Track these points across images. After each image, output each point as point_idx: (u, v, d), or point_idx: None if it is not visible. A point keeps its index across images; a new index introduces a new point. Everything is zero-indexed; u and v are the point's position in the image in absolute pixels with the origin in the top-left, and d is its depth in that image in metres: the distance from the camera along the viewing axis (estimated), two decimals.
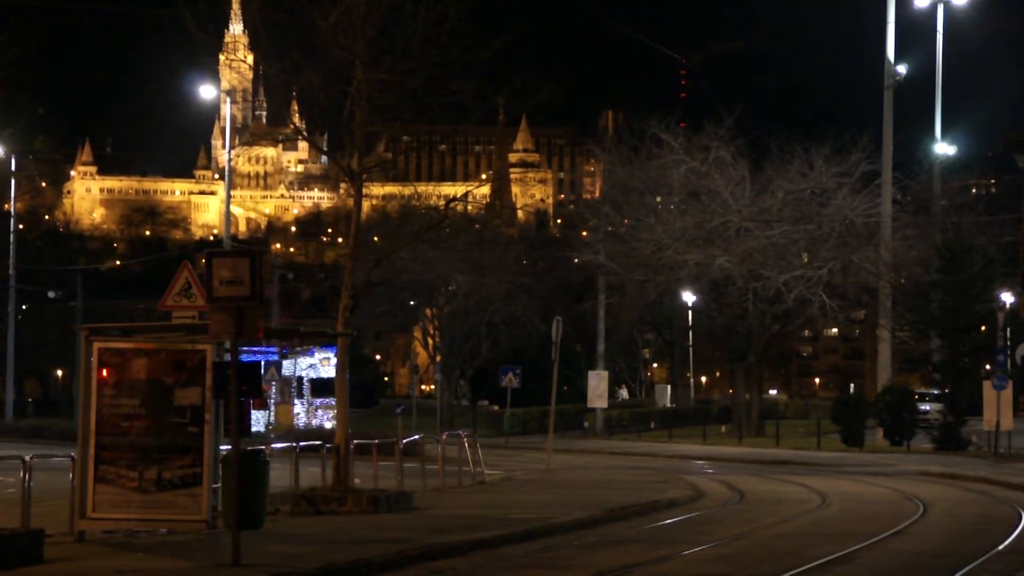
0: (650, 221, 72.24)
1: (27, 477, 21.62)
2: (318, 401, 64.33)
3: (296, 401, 64.50)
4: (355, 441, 33.51)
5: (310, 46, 29.61)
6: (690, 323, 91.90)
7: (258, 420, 62.20)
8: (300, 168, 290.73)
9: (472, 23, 29.66)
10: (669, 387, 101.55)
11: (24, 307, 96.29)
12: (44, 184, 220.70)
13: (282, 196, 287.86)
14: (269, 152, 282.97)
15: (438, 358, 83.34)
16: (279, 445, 35.06)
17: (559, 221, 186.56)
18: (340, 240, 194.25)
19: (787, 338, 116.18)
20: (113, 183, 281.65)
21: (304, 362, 64.76)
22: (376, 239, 69.56)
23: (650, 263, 71.60)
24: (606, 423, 78.57)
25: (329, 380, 61.92)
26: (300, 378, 64.94)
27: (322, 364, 64.20)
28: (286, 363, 64.57)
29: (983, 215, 69.53)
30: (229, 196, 72.01)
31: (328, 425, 60.50)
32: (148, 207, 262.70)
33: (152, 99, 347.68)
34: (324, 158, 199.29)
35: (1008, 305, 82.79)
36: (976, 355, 63.68)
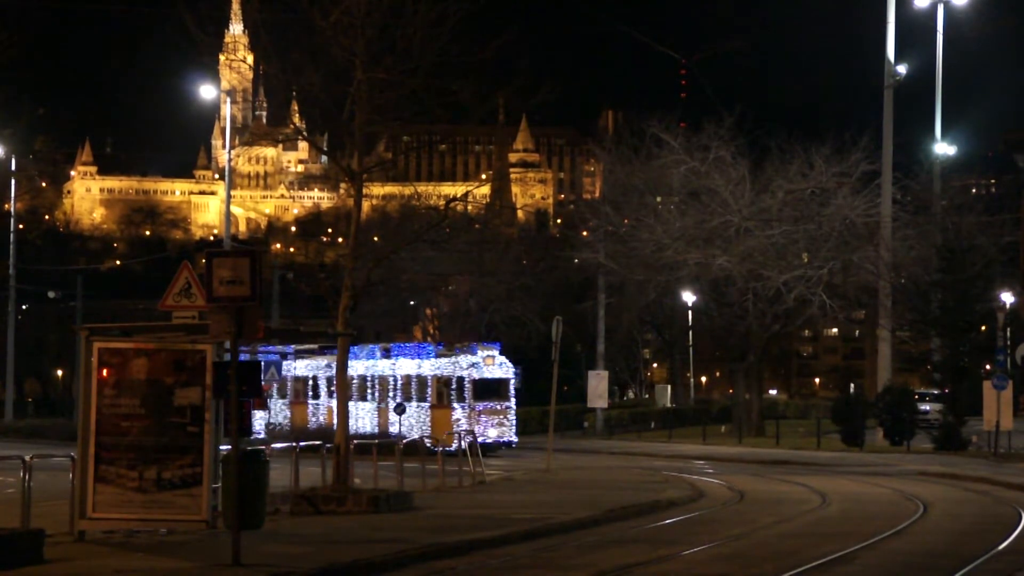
0: (650, 221, 72.21)
1: (27, 477, 21.61)
2: (481, 405, 55.88)
3: (456, 405, 55.94)
4: (355, 441, 33.55)
5: (310, 46, 29.62)
6: (690, 323, 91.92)
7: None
8: (300, 168, 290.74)
9: (472, 23, 29.70)
10: (669, 387, 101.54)
11: (24, 307, 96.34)
12: (44, 184, 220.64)
13: (282, 196, 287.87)
14: (269, 152, 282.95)
15: None
16: (279, 445, 35.05)
17: (559, 221, 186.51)
18: (340, 240, 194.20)
19: (787, 338, 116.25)
20: (113, 183, 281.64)
21: (464, 360, 56.55)
22: (376, 239, 69.55)
23: (650, 263, 71.58)
24: (606, 423, 78.55)
25: (494, 381, 56.43)
26: (460, 379, 56.13)
27: (485, 363, 56.56)
28: (443, 360, 56.68)
29: (983, 215, 69.42)
30: (229, 196, 72.05)
31: (492, 433, 54.95)
32: (148, 207, 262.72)
33: (152, 99, 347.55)
34: (324, 158, 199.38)
35: (1008, 305, 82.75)
36: (976, 355, 63.62)
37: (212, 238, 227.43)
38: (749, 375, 75.79)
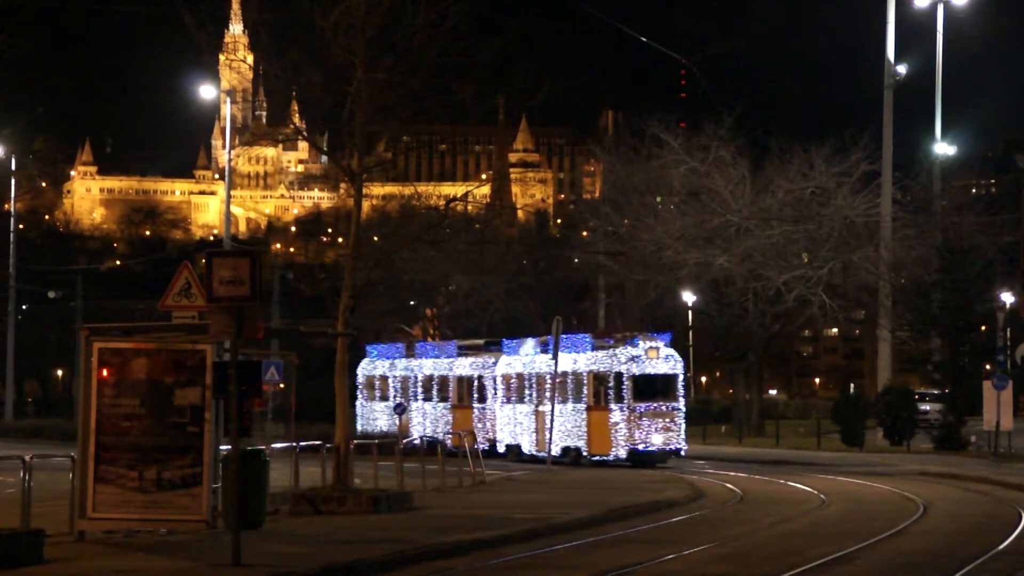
0: (650, 221, 72.25)
1: (27, 477, 21.61)
2: (642, 406, 48.05)
3: (613, 407, 48.31)
4: (355, 441, 33.54)
5: (310, 46, 29.64)
6: (690, 323, 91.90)
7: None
8: (300, 168, 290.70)
9: (472, 23, 29.72)
10: None
11: (24, 307, 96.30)
12: (44, 184, 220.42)
13: (282, 196, 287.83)
14: (269, 152, 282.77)
15: None
16: (279, 445, 35.05)
17: (559, 221, 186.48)
18: (340, 240, 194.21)
19: (787, 338, 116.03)
20: (113, 183, 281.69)
21: (623, 353, 48.55)
22: (376, 239, 69.48)
23: (650, 263, 71.61)
24: None
25: (659, 378, 48.92)
26: (619, 375, 48.30)
27: (648, 355, 48.56)
28: (600, 354, 49.20)
29: (983, 215, 69.48)
30: (229, 196, 72.05)
31: (657, 440, 48.17)
32: (148, 207, 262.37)
33: (152, 99, 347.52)
34: (324, 158, 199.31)
35: (1008, 305, 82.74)
36: (976, 355, 63.60)
37: (212, 238, 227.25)
38: (749, 375, 75.82)
